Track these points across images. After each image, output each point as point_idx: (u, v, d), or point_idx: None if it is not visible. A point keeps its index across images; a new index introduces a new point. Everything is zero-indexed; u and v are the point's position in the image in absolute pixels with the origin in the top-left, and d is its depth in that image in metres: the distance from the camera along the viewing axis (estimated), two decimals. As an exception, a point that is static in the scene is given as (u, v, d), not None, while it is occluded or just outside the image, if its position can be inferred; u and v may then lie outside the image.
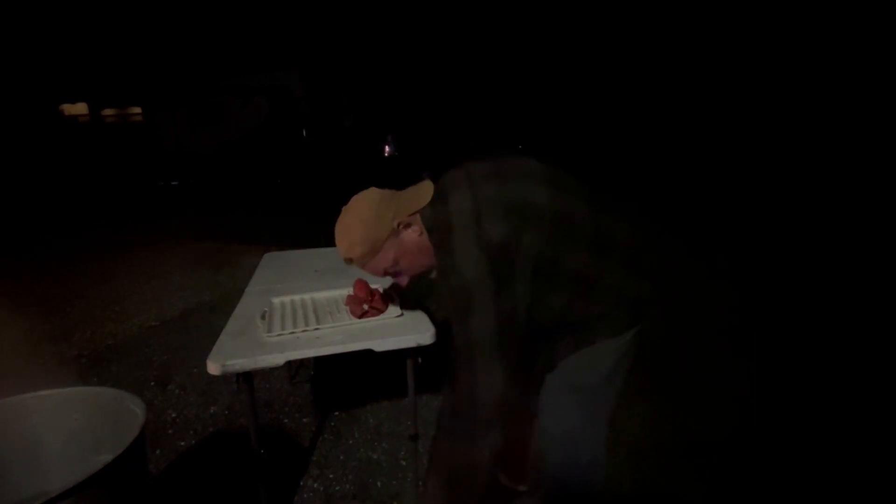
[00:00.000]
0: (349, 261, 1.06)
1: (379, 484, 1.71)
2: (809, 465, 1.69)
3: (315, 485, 1.71)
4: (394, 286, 1.58)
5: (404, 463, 1.79)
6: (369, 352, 1.26)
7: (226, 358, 1.16)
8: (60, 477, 0.72)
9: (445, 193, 1.00)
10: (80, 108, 9.93)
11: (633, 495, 1.58)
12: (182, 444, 1.94)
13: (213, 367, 1.14)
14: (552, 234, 0.94)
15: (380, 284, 1.57)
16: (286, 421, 2.09)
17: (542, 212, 0.94)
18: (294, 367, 2.48)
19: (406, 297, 1.53)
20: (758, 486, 1.63)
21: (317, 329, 1.32)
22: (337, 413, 2.13)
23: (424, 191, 1.04)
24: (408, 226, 1.03)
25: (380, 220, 1.01)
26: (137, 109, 10.30)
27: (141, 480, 0.91)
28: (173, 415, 2.13)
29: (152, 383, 2.39)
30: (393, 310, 1.43)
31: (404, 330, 1.33)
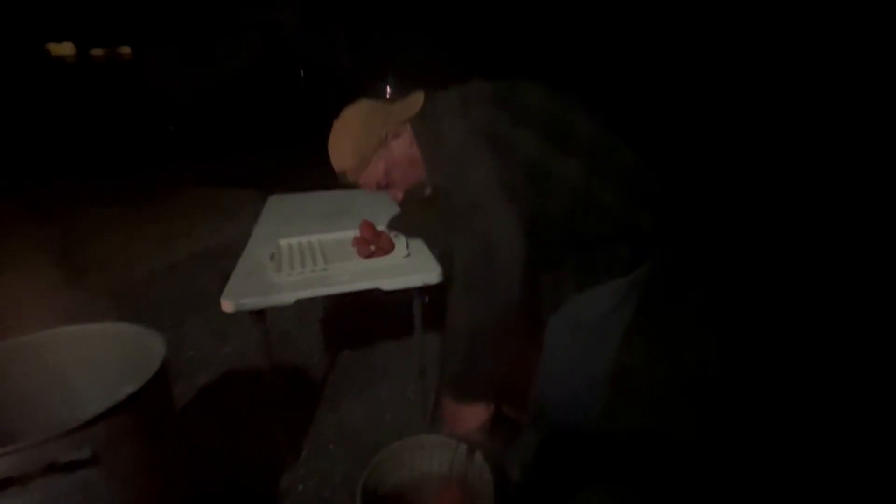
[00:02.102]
0: (342, 174, 1.06)
1: (388, 416, 1.81)
2: (802, 415, 1.74)
3: (328, 417, 1.81)
4: (398, 225, 1.59)
5: (412, 398, 1.88)
6: (376, 294, 1.29)
7: (239, 296, 1.19)
8: (91, 407, 0.76)
9: (434, 99, 1.01)
10: (67, 49, 9.49)
11: (630, 432, 1.66)
12: (201, 380, 2.04)
13: (228, 305, 1.17)
14: (545, 138, 0.93)
15: (385, 227, 1.58)
16: (298, 360, 2.18)
17: (535, 111, 0.95)
18: (303, 309, 2.55)
19: (411, 226, 1.55)
20: (749, 428, 1.69)
21: (325, 269, 1.34)
22: (346, 352, 2.22)
23: (414, 101, 1.04)
24: (397, 136, 1.03)
25: (368, 130, 1.01)
26: (127, 49, 9.84)
27: (167, 408, 0.97)
28: (191, 353, 2.22)
29: (168, 325, 2.47)
30: (400, 250, 1.44)
31: (411, 269, 1.35)
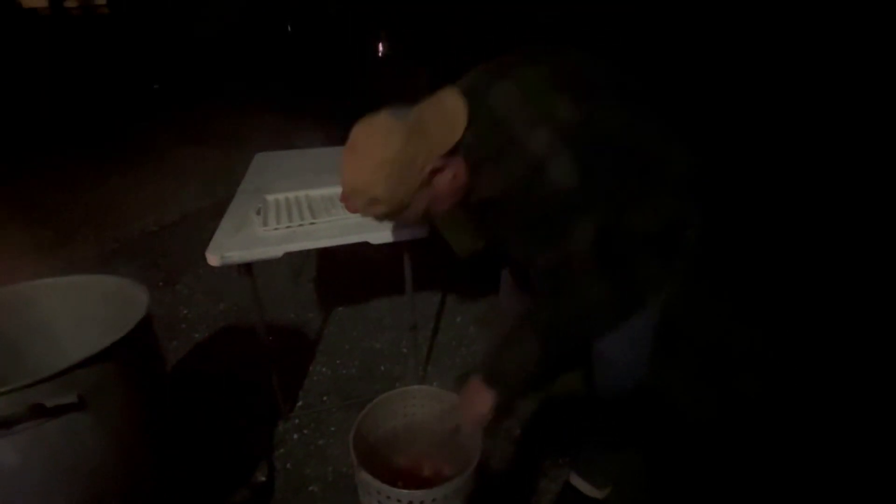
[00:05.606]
0: (365, 211, 0.90)
1: (382, 368, 1.85)
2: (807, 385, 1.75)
3: (323, 369, 1.85)
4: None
5: (405, 351, 1.92)
6: (368, 251, 1.28)
7: (224, 250, 1.18)
8: (77, 357, 0.76)
9: (481, 96, 0.81)
10: (40, 0, 9.01)
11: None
12: (196, 336, 2.06)
13: (213, 259, 1.16)
14: (628, 119, 0.83)
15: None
16: (292, 316, 2.20)
17: (608, 90, 0.85)
18: (297, 269, 2.55)
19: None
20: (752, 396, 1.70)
21: (312, 223, 1.32)
22: (340, 308, 2.23)
23: (455, 116, 0.81)
24: (441, 169, 0.82)
25: (407, 169, 0.79)
26: (102, 0, 9.36)
27: (154, 357, 0.98)
28: (185, 311, 2.23)
29: (161, 283, 2.47)
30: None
31: (400, 224, 1.33)
